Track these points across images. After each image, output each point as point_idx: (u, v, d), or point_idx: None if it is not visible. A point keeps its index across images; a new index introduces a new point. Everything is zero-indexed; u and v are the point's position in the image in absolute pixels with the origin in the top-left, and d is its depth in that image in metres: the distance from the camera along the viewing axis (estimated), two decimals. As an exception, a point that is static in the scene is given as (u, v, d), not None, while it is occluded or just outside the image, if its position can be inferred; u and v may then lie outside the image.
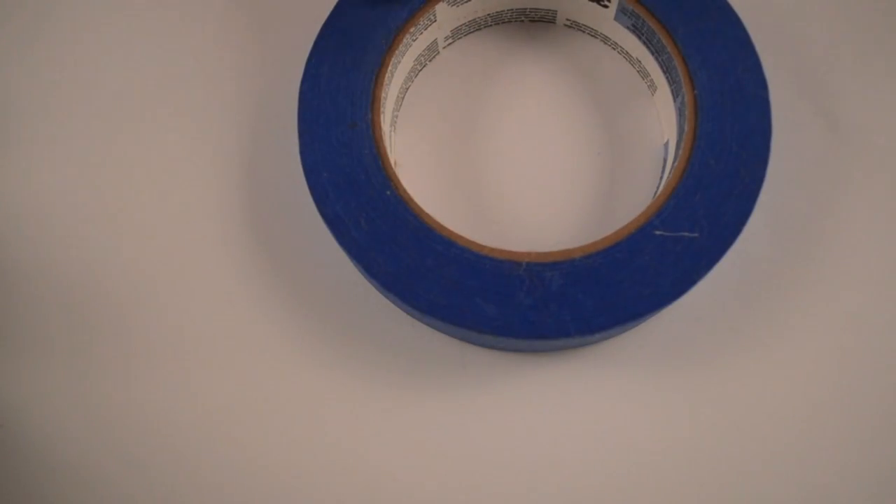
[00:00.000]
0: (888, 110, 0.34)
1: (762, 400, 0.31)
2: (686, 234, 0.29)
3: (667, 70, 0.32)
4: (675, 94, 0.32)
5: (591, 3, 0.33)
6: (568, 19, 0.35)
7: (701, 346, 0.31)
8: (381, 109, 0.31)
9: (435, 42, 0.34)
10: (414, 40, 0.33)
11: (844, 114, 0.34)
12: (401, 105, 0.34)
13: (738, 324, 0.32)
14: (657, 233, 0.29)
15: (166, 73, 0.36)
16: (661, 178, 0.33)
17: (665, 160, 0.33)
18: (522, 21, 0.36)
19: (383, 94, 0.32)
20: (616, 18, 0.33)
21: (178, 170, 0.34)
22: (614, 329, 0.29)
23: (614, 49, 0.35)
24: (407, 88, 0.35)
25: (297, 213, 0.33)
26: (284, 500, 0.31)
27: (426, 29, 0.33)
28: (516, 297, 0.29)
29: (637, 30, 0.33)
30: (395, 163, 0.33)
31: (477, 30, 0.36)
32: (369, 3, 0.32)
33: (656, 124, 0.34)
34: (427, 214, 0.30)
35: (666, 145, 0.33)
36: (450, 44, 0.35)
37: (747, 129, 0.30)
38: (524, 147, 0.34)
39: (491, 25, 0.36)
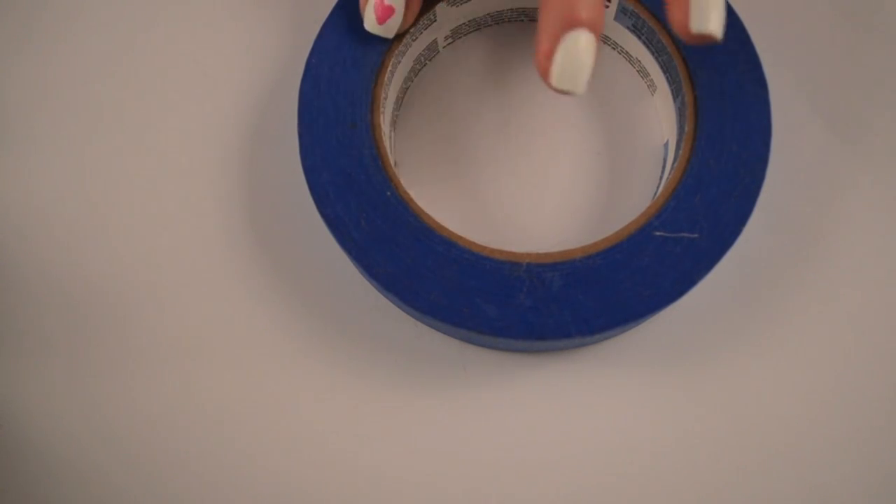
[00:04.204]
0: (888, 110, 0.34)
1: (762, 400, 0.31)
2: (686, 234, 0.29)
3: (667, 70, 0.32)
4: (675, 94, 0.32)
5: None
6: (568, 19, 0.35)
7: (701, 346, 0.31)
8: (381, 109, 0.31)
9: (435, 42, 0.34)
10: (414, 40, 0.33)
11: (845, 114, 0.34)
12: (401, 105, 0.34)
13: (738, 324, 0.32)
14: (657, 233, 0.29)
15: (166, 73, 0.36)
16: (661, 178, 0.33)
17: (665, 160, 0.33)
18: (522, 21, 0.36)
19: (383, 95, 0.32)
20: (616, 18, 0.33)
21: (177, 170, 0.34)
22: (614, 330, 0.29)
23: (614, 49, 0.35)
24: (407, 88, 0.35)
25: (297, 213, 0.33)
26: (284, 500, 0.31)
27: (426, 29, 0.33)
28: (517, 298, 0.29)
29: (637, 30, 0.33)
30: (395, 163, 0.33)
31: (477, 29, 0.35)
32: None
33: (656, 124, 0.34)
34: (427, 215, 0.30)
35: (666, 145, 0.33)
36: (449, 43, 0.35)
37: (747, 129, 0.30)
38: (524, 147, 0.34)
39: (491, 25, 0.36)
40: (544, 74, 0.27)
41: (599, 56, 0.27)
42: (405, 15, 0.31)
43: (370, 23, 0.31)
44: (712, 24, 0.27)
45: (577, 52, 0.26)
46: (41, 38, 0.37)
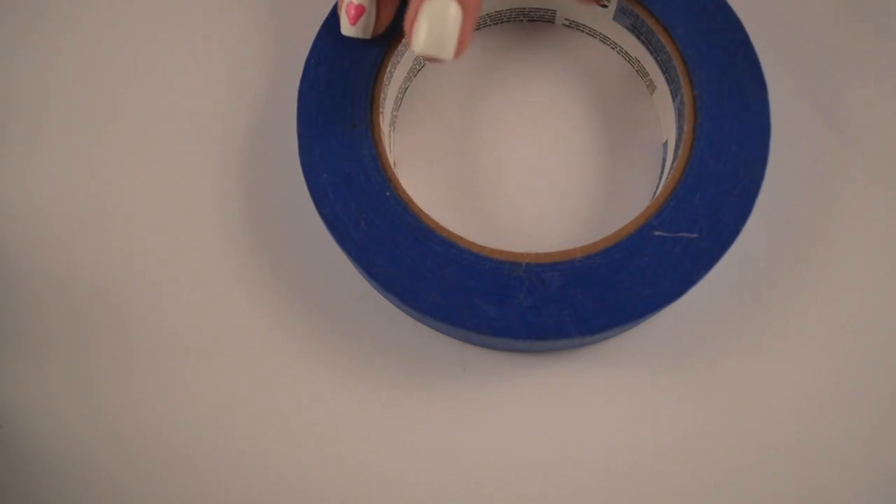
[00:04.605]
0: (888, 110, 0.34)
1: (762, 399, 0.31)
2: (685, 234, 0.29)
3: (666, 70, 0.32)
4: (674, 93, 0.32)
5: (590, 2, 0.33)
6: (567, 19, 0.35)
7: (701, 346, 0.31)
8: (381, 109, 0.31)
9: (434, 42, 0.34)
10: (413, 40, 0.33)
11: (844, 114, 0.34)
12: (400, 105, 0.34)
13: (737, 324, 0.32)
14: (657, 233, 0.29)
15: (165, 74, 0.36)
16: (661, 178, 0.33)
17: (664, 160, 0.33)
18: (521, 21, 0.36)
19: (382, 94, 0.32)
20: (615, 18, 0.33)
21: (177, 170, 0.34)
22: (614, 329, 0.29)
23: (613, 49, 0.35)
24: (406, 88, 0.35)
25: (297, 213, 0.33)
26: (284, 500, 0.31)
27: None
28: (516, 298, 0.29)
29: (636, 29, 0.33)
30: (394, 163, 0.33)
31: (476, 30, 0.35)
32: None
33: (655, 124, 0.34)
34: (426, 215, 0.30)
35: (665, 145, 0.33)
36: (449, 43, 0.35)
37: (746, 128, 0.30)
38: (523, 147, 0.34)
39: (490, 25, 0.36)
40: (409, 41, 0.28)
41: (470, 27, 0.28)
42: (379, 14, 0.31)
43: (345, 25, 0.31)
44: None
45: (437, 16, 0.27)
46: (42, 40, 0.37)
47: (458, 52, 0.28)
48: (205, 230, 0.34)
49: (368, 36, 0.31)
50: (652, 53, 0.33)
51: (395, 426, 0.31)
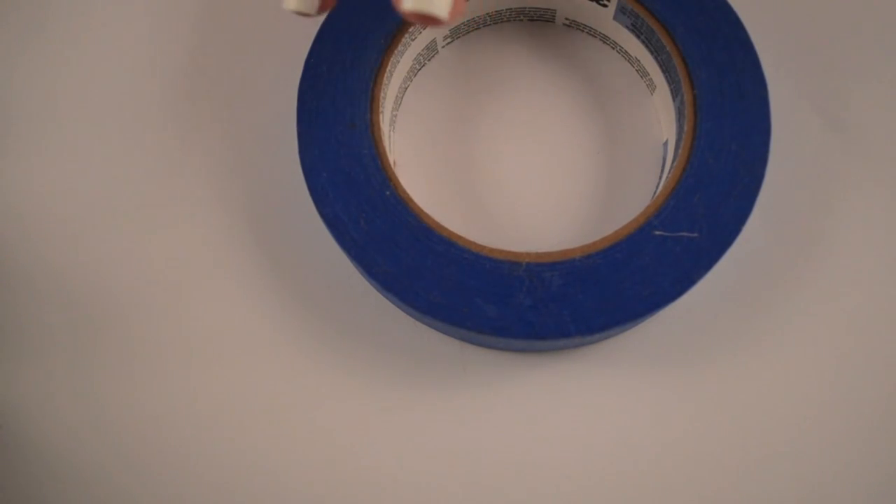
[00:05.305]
0: (888, 110, 0.34)
1: (761, 399, 0.31)
2: (685, 234, 0.29)
3: (666, 69, 0.32)
4: (675, 93, 0.32)
5: (590, 2, 0.33)
6: (567, 18, 0.35)
7: (701, 346, 0.31)
8: (380, 109, 0.31)
9: (434, 41, 0.34)
10: (413, 40, 0.33)
11: (844, 114, 0.34)
12: (399, 104, 0.34)
13: (737, 324, 0.32)
14: (657, 233, 0.29)
15: (165, 74, 0.36)
16: (661, 177, 0.33)
17: (664, 160, 0.33)
18: (521, 20, 0.36)
19: (382, 94, 0.32)
20: (615, 18, 0.33)
21: (177, 170, 0.34)
22: (614, 329, 0.29)
23: (613, 48, 0.35)
24: (406, 88, 0.35)
25: (297, 213, 0.33)
26: (284, 500, 0.31)
27: (425, 28, 0.33)
28: (516, 298, 0.29)
29: (636, 29, 0.33)
30: (394, 162, 0.33)
31: (476, 29, 0.35)
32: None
33: (655, 124, 0.34)
34: (426, 214, 0.30)
35: (665, 144, 0.33)
36: (448, 43, 0.35)
37: (747, 128, 0.30)
38: (523, 147, 0.34)
39: (490, 24, 0.36)
40: (396, 1, 0.25)
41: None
42: None
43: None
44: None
45: None
46: (46, 40, 0.36)
47: (455, 10, 0.25)
48: (205, 229, 0.34)
49: (313, 12, 0.27)
50: (652, 53, 0.33)
51: (395, 426, 0.31)
